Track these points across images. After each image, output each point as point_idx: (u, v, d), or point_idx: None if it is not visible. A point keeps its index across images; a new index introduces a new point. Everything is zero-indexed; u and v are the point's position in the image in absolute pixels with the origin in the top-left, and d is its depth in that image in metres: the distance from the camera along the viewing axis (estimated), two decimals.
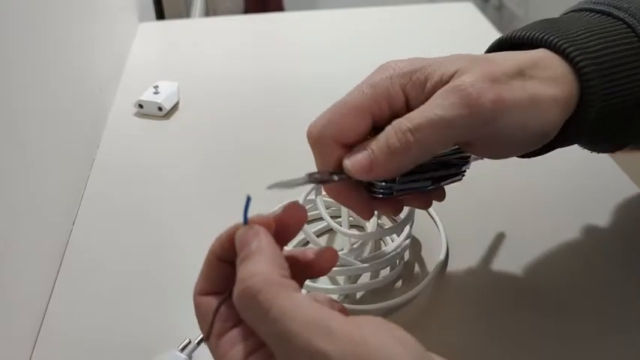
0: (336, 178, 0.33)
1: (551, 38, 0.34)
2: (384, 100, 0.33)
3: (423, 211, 0.52)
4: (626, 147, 0.39)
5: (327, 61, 0.81)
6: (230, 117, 0.70)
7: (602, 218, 0.52)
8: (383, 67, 0.34)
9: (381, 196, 0.35)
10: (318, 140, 0.34)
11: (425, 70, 0.33)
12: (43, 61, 0.52)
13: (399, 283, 0.47)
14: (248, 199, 0.28)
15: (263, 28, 0.94)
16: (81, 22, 0.66)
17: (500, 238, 0.50)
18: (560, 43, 0.34)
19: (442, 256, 0.48)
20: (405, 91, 0.33)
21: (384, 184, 0.35)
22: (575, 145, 0.62)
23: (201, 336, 0.40)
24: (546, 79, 0.33)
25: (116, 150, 0.64)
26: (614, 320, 0.43)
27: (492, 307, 0.44)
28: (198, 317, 0.30)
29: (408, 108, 0.33)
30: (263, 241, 0.28)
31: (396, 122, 0.32)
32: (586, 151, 0.61)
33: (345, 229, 0.47)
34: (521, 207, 0.54)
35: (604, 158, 0.60)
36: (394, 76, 0.33)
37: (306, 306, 0.24)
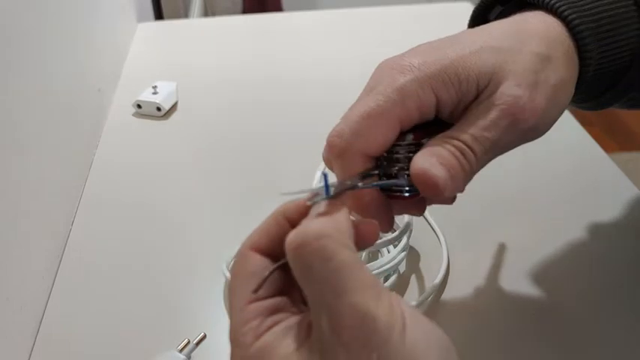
0: (362, 184, 0.31)
1: None
2: (414, 106, 0.30)
3: (424, 222, 0.51)
4: (609, 107, 0.39)
5: (326, 61, 0.81)
6: (228, 117, 0.69)
7: (602, 220, 0.52)
8: (396, 66, 0.31)
9: (407, 194, 0.33)
10: (343, 153, 0.31)
11: (455, 69, 0.30)
12: (41, 61, 0.52)
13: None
14: (325, 176, 0.27)
15: (261, 29, 0.94)
16: (79, 22, 0.66)
17: (501, 249, 0.50)
18: (557, 5, 0.33)
19: (442, 270, 0.46)
20: (436, 94, 0.30)
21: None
22: (575, 148, 0.62)
23: (201, 336, 0.40)
24: (559, 59, 0.32)
25: (115, 150, 0.64)
26: (620, 328, 0.43)
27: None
28: (239, 272, 0.27)
29: (438, 109, 0.31)
30: (343, 212, 0.26)
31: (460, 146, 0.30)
32: (586, 152, 0.62)
33: None
34: (521, 211, 0.54)
35: (604, 160, 0.60)
36: (422, 78, 0.30)
37: (365, 270, 0.24)
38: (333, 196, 0.27)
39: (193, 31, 0.95)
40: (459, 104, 0.31)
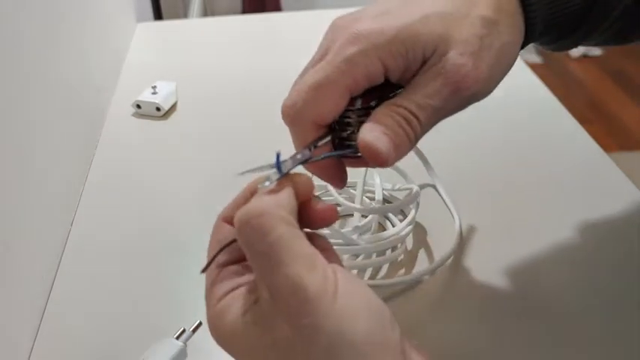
0: (314, 157, 0.33)
1: None
2: (362, 75, 0.32)
3: (437, 198, 0.53)
4: (577, 46, 0.39)
5: None
6: (228, 117, 0.70)
7: (602, 219, 0.52)
8: (346, 33, 0.33)
9: (361, 155, 0.34)
10: (294, 122, 0.33)
11: (402, 40, 0.31)
12: (41, 61, 0.52)
13: (402, 269, 0.47)
14: (278, 155, 0.29)
15: (261, 28, 0.94)
16: (79, 22, 0.66)
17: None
18: None
19: (453, 245, 0.48)
20: (384, 64, 0.32)
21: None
22: (574, 147, 0.62)
23: (197, 323, 0.41)
24: (504, 22, 0.33)
25: (114, 150, 0.64)
26: (617, 323, 0.43)
27: (492, 308, 0.45)
28: (212, 240, 0.31)
29: (387, 75, 0.32)
30: (287, 190, 0.29)
31: (403, 113, 0.32)
32: (585, 151, 0.62)
33: (348, 202, 0.49)
34: (519, 209, 0.54)
35: (604, 159, 0.60)
36: (370, 48, 0.31)
37: (302, 243, 0.26)
38: (286, 174, 0.29)
39: (193, 31, 0.95)
40: (407, 71, 0.32)
